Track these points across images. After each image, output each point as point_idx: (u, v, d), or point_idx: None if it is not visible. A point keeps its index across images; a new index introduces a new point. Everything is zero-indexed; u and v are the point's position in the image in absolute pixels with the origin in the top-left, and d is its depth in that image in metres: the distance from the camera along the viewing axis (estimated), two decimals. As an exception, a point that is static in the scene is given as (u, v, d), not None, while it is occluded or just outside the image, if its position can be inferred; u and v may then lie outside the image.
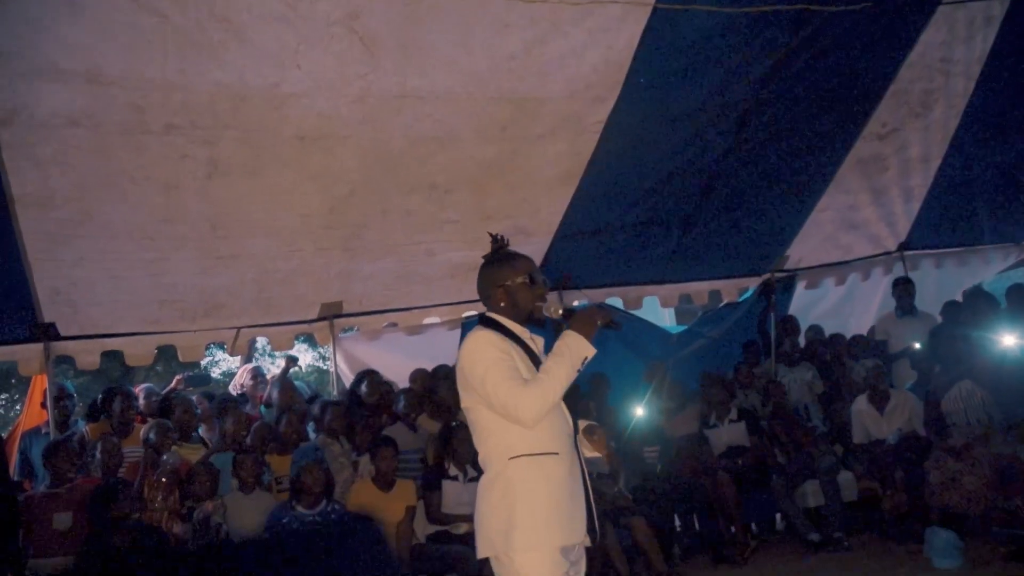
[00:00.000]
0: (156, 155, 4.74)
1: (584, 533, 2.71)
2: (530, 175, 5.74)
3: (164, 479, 4.97)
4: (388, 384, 6.34)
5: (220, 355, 17.40)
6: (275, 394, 6.41)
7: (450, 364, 5.74)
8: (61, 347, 5.66)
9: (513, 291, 2.83)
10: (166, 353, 6.20)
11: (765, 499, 6.45)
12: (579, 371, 2.70)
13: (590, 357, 2.71)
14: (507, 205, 5.82)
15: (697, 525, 6.48)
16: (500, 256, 2.89)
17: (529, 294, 2.83)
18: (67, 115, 4.35)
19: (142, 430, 5.51)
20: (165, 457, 5.19)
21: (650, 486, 6.31)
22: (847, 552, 5.86)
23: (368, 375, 6.28)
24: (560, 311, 2.85)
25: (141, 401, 6.14)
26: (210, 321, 6.03)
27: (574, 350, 2.70)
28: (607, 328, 2.81)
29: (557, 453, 2.71)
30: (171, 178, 4.92)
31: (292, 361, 7.07)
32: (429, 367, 6.43)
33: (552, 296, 2.85)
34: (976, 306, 7.08)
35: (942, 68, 6.35)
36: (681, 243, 7.00)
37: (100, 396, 6.01)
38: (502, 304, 2.85)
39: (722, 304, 7.96)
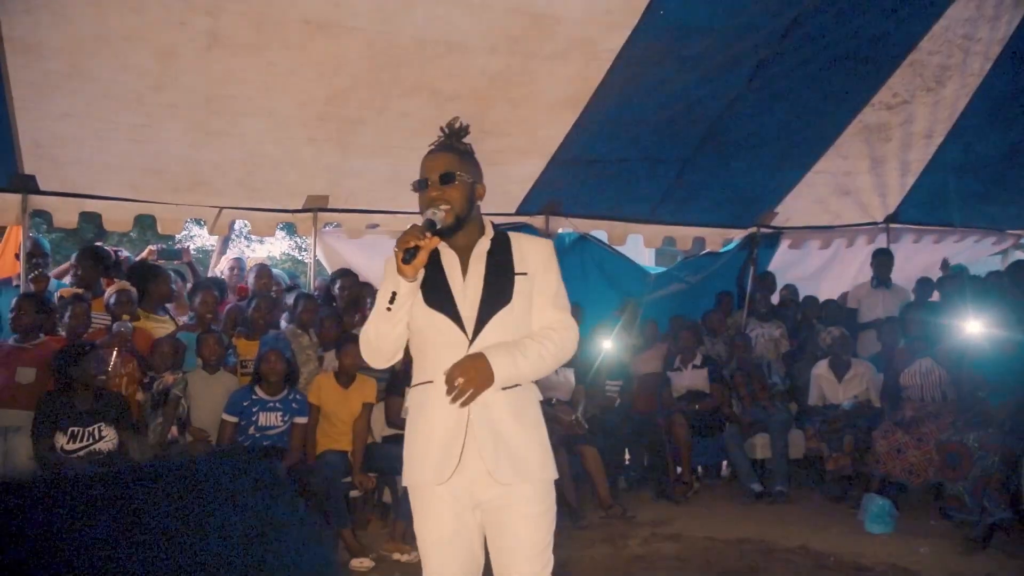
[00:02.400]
0: (154, 18, 4.57)
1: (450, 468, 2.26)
2: (535, 94, 5.63)
3: (114, 346, 4.96)
4: (365, 285, 6.34)
5: (196, 231, 17.26)
6: (251, 279, 6.40)
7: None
8: (39, 201, 5.61)
9: (419, 200, 2.41)
10: (143, 221, 6.13)
11: (715, 445, 6.67)
12: (388, 308, 2.26)
13: (401, 293, 2.25)
14: (507, 121, 5.72)
15: (646, 461, 6.66)
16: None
17: (421, 201, 2.39)
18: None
19: (105, 294, 5.49)
20: (115, 325, 5.13)
21: (607, 418, 6.46)
22: (784, 504, 6.04)
23: (345, 275, 6.27)
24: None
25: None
26: (193, 196, 5.97)
27: (387, 285, 2.28)
28: (405, 257, 2.18)
29: (431, 381, 2.34)
30: (168, 44, 4.77)
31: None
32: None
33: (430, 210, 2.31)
34: (954, 288, 7.17)
35: (962, 45, 6.25)
36: (674, 186, 6.97)
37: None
38: None
39: (704, 252, 7.99)
